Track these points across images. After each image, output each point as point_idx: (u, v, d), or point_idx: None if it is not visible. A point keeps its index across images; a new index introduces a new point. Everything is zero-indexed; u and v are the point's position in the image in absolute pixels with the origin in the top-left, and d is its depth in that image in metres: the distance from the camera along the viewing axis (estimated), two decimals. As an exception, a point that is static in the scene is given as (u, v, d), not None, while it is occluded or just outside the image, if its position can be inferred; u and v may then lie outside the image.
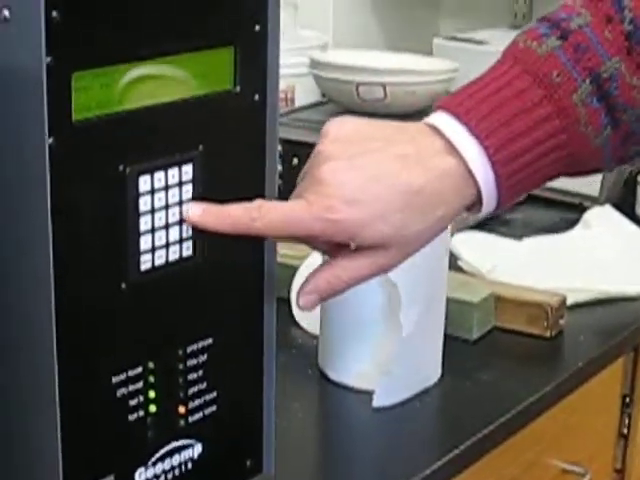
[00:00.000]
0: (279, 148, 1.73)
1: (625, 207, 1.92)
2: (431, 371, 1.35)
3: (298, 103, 1.97)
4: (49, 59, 0.84)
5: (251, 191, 1.04)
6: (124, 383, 0.96)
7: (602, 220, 1.83)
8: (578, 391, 1.43)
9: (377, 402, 1.28)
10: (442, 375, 1.37)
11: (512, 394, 1.35)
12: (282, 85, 2.05)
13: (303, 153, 1.69)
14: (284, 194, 1.71)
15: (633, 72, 1.00)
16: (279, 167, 1.74)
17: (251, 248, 1.05)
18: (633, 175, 1.98)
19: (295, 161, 1.71)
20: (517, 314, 1.48)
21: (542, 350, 1.47)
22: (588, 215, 1.84)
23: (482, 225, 1.83)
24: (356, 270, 0.99)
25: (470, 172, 0.97)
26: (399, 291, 1.26)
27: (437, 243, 1.30)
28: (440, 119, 0.99)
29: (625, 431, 1.70)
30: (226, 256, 1.02)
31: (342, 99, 1.85)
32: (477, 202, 1.00)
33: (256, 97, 1.03)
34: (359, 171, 0.97)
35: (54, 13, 0.83)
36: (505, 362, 1.42)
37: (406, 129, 1.01)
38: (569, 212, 1.89)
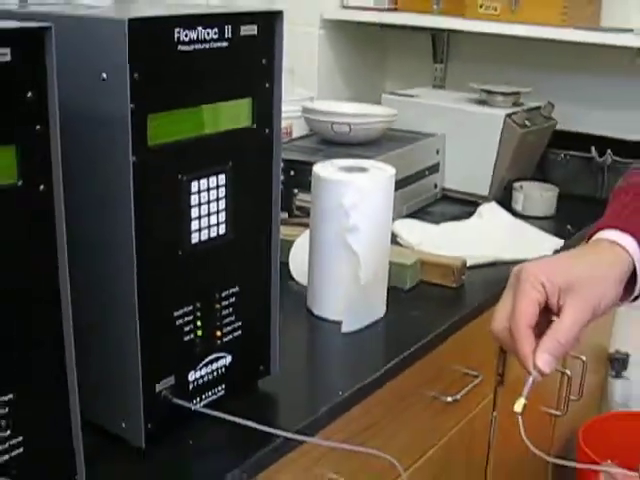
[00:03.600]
0: (281, 164, 1.73)
1: (505, 203, 1.92)
2: (379, 308, 1.35)
3: (295, 135, 1.96)
4: (132, 105, 0.84)
5: (262, 192, 1.03)
6: (181, 316, 0.96)
7: (490, 211, 1.83)
8: (474, 322, 1.43)
9: (345, 329, 1.28)
10: (387, 312, 1.36)
11: (432, 323, 1.34)
12: (284, 123, 2.05)
13: (297, 167, 1.69)
14: (284, 196, 1.72)
15: None
16: (281, 177, 1.74)
17: (264, 229, 1.05)
18: (510, 182, 1.98)
19: (292, 173, 1.70)
20: (435, 272, 1.48)
21: (451, 296, 1.46)
22: (481, 208, 1.84)
23: (413, 215, 1.82)
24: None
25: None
26: (359, 258, 1.26)
27: (384, 224, 1.31)
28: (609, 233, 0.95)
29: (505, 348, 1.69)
30: (247, 234, 1.02)
31: (322, 133, 1.84)
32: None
33: (266, 131, 1.03)
34: None
35: (135, 75, 0.83)
36: (427, 303, 1.42)
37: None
38: (469, 206, 1.89)
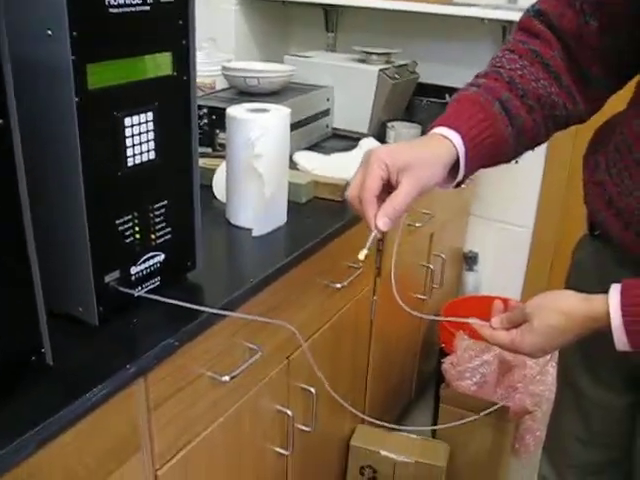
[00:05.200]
0: (205, 111, 1.72)
1: (380, 138, 1.93)
2: (281, 217, 1.35)
3: (218, 88, 1.94)
4: (74, 57, 0.82)
5: (183, 126, 1.02)
6: (122, 223, 0.96)
7: (368, 144, 1.83)
8: (356, 226, 1.41)
9: (255, 234, 1.29)
10: (287, 220, 1.37)
11: (323, 228, 1.35)
12: (209, 80, 2.03)
13: (218, 113, 1.67)
14: (208, 135, 1.70)
15: (516, 97, 0.98)
16: (205, 120, 1.72)
17: (185, 154, 1.04)
18: (384, 122, 1.99)
19: (214, 117, 1.68)
20: (325, 189, 1.48)
21: (338, 207, 1.46)
22: (361, 142, 1.83)
23: (310, 148, 1.83)
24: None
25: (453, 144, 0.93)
26: (263, 178, 1.26)
27: (282, 153, 1.31)
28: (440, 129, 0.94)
29: (380, 247, 1.71)
30: (172, 159, 1.02)
31: (238, 86, 1.82)
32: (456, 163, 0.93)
33: (185, 78, 1.01)
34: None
35: (75, 33, 0.82)
36: (319, 213, 1.42)
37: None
38: (352, 141, 1.89)
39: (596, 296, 0.87)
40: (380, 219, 0.89)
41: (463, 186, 0.99)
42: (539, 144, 1.04)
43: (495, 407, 1.84)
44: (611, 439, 1.15)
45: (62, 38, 0.81)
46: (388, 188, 0.91)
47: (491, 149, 0.96)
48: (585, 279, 1.05)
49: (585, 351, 1.13)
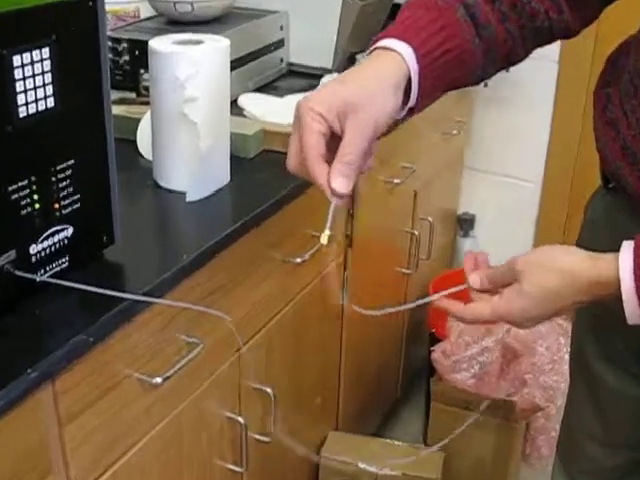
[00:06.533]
0: (126, 45, 1.70)
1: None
2: (223, 176, 1.34)
3: (142, 16, 1.92)
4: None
5: (90, 65, 1.00)
6: (16, 191, 0.94)
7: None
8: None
9: (189, 198, 1.27)
10: (231, 180, 1.36)
11: (276, 188, 1.34)
12: (131, 7, 2.00)
13: (142, 48, 1.65)
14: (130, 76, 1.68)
15: (485, 1, 0.96)
16: (126, 57, 1.70)
17: (95, 101, 1.02)
18: (352, 54, 1.98)
19: (137, 53, 1.66)
20: (278, 140, 1.46)
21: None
22: (325, 80, 1.83)
23: (260, 90, 1.81)
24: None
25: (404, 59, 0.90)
26: (198, 127, 1.25)
27: (221, 96, 1.30)
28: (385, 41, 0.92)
29: (351, 211, 1.71)
30: (78, 107, 1.00)
31: (167, 13, 1.79)
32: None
33: (90, 3, 0.99)
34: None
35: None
36: (272, 170, 1.41)
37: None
38: (314, 79, 1.87)
39: (604, 255, 0.86)
40: (335, 180, 0.87)
41: (417, 114, 0.97)
42: (514, 63, 1.03)
43: (498, 403, 1.85)
44: (635, 438, 1.17)
45: None
46: (335, 142, 0.89)
47: (452, 66, 0.94)
48: (597, 240, 1.05)
49: (599, 327, 1.15)
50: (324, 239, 0.91)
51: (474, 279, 0.96)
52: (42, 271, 1.00)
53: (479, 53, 0.96)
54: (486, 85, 1.02)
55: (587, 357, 1.17)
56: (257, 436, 1.47)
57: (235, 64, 1.66)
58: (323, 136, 0.87)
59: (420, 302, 1.05)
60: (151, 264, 1.12)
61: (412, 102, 0.93)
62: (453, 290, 0.99)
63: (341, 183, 0.87)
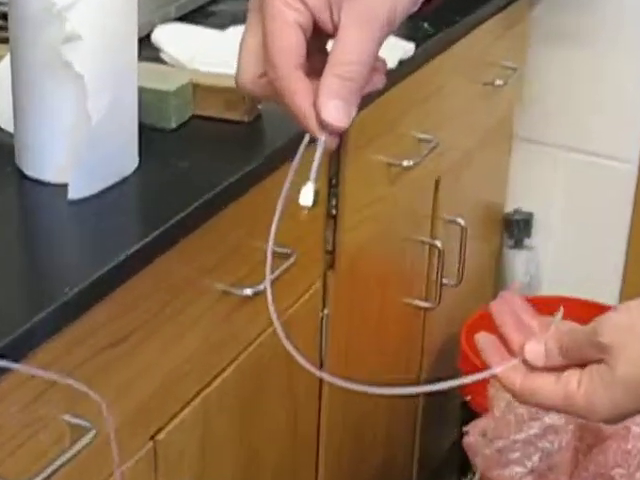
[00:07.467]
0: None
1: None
2: (127, 160, 1.34)
3: None
4: None
5: None
6: None
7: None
8: (278, 171, 1.42)
9: (72, 194, 1.27)
10: (140, 164, 1.36)
11: (212, 177, 1.35)
12: None
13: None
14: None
15: None
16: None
17: None
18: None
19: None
20: (216, 101, 1.47)
21: (242, 135, 1.47)
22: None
23: (186, 18, 1.82)
24: None
25: None
26: (85, 81, 1.25)
27: (123, 31, 1.30)
28: None
29: (334, 212, 1.73)
30: None
31: None
32: None
33: None
34: None
35: None
36: (205, 148, 1.42)
37: None
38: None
39: None
40: (325, 107, 0.83)
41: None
42: None
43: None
44: None
45: None
46: (320, 43, 0.87)
47: None
48: None
49: None
50: (306, 198, 0.86)
51: (533, 350, 0.95)
52: None
53: None
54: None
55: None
56: None
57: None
58: (303, 32, 0.85)
59: (450, 384, 1.01)
60: (10, 302, 1.12)
61: None
62: (497, 370, 0.98)
63: (336, 109, 0.82)
